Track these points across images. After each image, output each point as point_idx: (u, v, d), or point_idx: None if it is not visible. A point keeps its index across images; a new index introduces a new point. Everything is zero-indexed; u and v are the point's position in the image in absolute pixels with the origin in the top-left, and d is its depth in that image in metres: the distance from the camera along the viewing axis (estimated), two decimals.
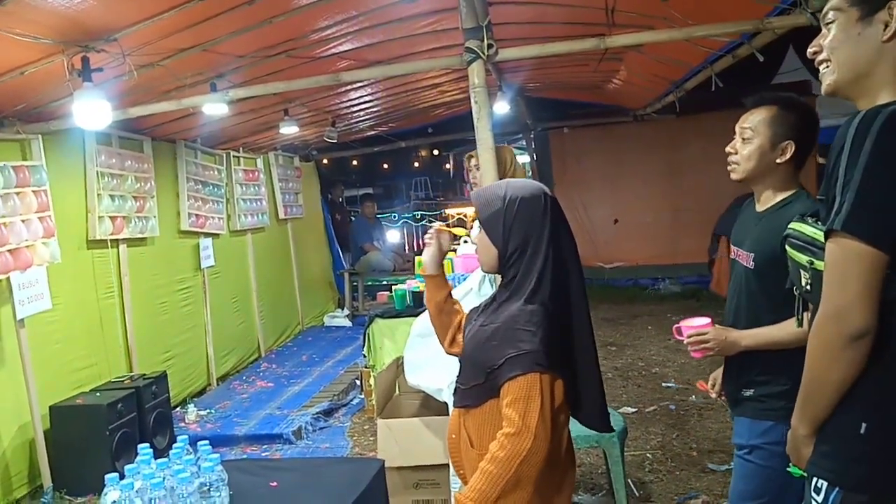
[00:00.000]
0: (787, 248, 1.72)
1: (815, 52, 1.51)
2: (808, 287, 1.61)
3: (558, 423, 1.79)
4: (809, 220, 1.66)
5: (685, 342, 2.22)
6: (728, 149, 2.19)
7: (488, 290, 3.53)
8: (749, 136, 2.13)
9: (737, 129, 2.18)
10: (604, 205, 9.85)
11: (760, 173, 2.13)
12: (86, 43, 3.39)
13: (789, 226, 1.72)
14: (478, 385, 1.81)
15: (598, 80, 7.27)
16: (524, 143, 10.43)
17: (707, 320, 2.22)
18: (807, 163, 2.17)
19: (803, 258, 1.62)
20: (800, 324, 1.82)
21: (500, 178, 3.96)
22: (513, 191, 1.84)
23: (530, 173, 9.88)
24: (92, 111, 3.53)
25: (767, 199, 2.16)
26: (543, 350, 1.71)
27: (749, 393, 2.16)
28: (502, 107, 6.59)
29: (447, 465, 3.42)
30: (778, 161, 2.10)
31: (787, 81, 8.56)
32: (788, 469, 1.60)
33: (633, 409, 5.17)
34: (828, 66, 1.48)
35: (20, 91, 3.89)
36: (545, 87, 8.37)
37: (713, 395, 2.40)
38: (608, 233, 9.80)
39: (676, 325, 2.30)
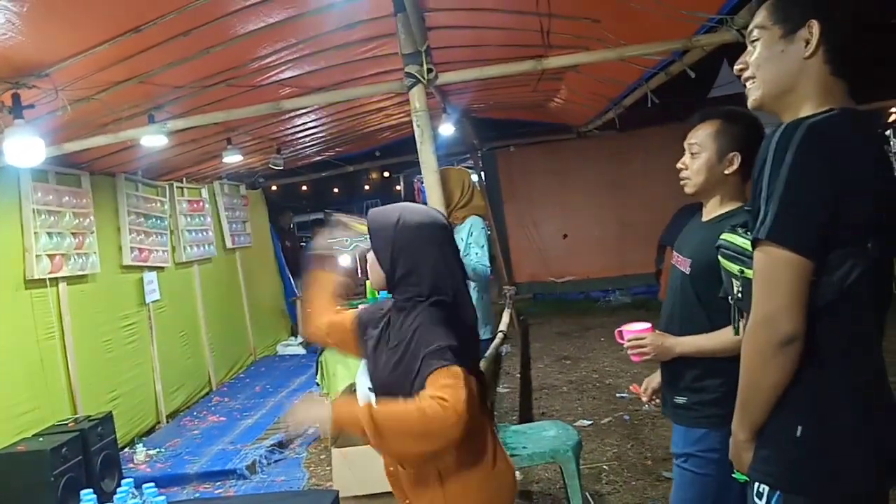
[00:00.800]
0: (719, 258, 1.78)
1: (742, 69, 1.57)
2: (740, 295, 1.66)
3: (481, 422, 1.82)
4: (740, 231, 1.71)
5: (625, 346, 2.28)
6: (679, 164, 2.26)
7: None
8: (697, 151, 2.20)
9: (685, 145, 2.25)
10: (553, 220, 9.99)
11: (711, 186, 2.20)
12: (15, 79, 3.30)
13: (720, 236, 1.78)
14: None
15: (540, 99, 7.40)
16: (472, 162, 10.52)
17: (647, 325, 2.28)
18: None
19: (734, 267, 1.67)
20: (736, 332, 1.87)
21: (458, 200, 4.00)
22: (405, 216, 1.89)
23: None
24: (24, 149, 3.43)
25: (713, 209, 2.23)
26: (459, 346, 1.75)
27: (682, 400, 2.21)
28: (447, 128, 6.66)
29: None
30: (726, 172, 2.16)
31: (722, 94, 8.88)
32: (733, 475, 1.63)
33: (589, 422, 5.22)
34: (753, 82, 1.53)
35: None
36: (489, 107, 8.49)
37: (644, 399, 2.46)
38: (558, 248, 9.93)
39: (618, 329, 2.35)
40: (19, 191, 4.82)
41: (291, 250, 10.17)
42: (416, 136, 3.54)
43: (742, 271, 1.64)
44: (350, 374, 4.69)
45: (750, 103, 1.56)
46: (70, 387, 5.16)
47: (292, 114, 5.84)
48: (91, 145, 4.23)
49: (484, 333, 3.88)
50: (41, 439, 4.37)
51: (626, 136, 8.67)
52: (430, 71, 3.46)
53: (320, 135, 7.67)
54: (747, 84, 1.55)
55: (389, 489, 3.58)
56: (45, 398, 4.89)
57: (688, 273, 2.20)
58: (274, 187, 10.40)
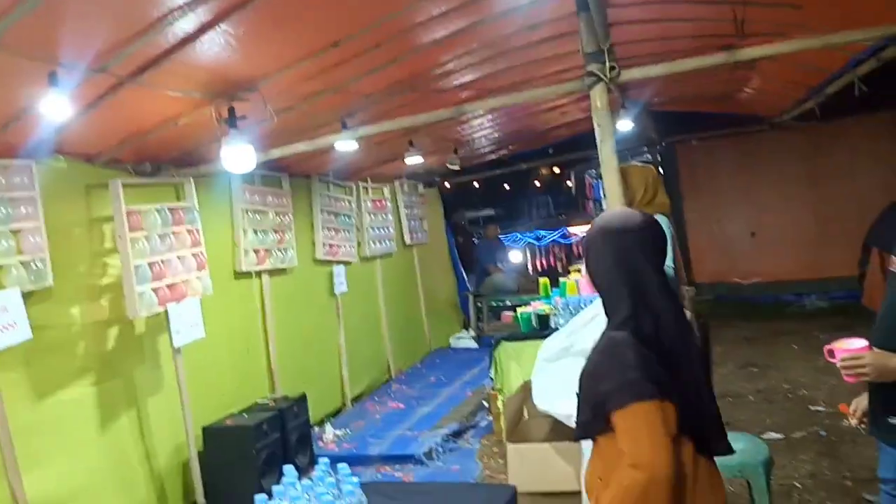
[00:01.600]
0: None
1: None
2: None
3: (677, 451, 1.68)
4: None
5: (838, 365, 2.10)
6: None
7: None
8: None
9: None
10: (739, 217, 9.40)
11: None
12: (231, 93, 3.69)
13: None
14: (589, 421, 1.78)
15: (727, 89, 6.97)
16: (649, 157, 10.15)
17: (864, 343, 2.09)
18: None
19: None
20: None
21: (641, 198, 3.88)
22: (601, 223, 1.86)
23: None
24: (238, 155, 3.82)
25: None
26: (642, 377, 1.65)
27: None
28: (626, 124, 6.47)
29: (579, 492, 3.38)
30: None
31: None
32: None
33: (779, 436, 4.87)
34: None
35: (174, 140, 4.29)
36: (671, 100, 8.13)
37: (853, 422, 2.26)
38: (745, 246, 9.33)
39: (829, 347, 2.17)
40: (231, 192, 5.39)
41: (464, 246, 10.43)
42: (597, 136, 3.48)
43: None
44: (524, 371, 4.73)
45: None
46: (270, 369, 5.69)
47: (470, 115, 5.99)
48: (292, 151, 4.61)
49: None
50: (245, 416, 4.85)
51: (826, 126, 7.90)
52: (612, 69, 3.39)
53: (496, 134, 7.78)
54: None
55: (565, 489, 3.60)
56: (248, 378, 5.42)
57: None
58: (448, 185, 10.69)
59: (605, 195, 3.68)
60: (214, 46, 3.13)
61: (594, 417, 1.74)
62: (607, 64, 3.39)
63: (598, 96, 3.45)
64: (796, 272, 8.94)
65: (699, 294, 9.19)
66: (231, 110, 3.71)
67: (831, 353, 2.15)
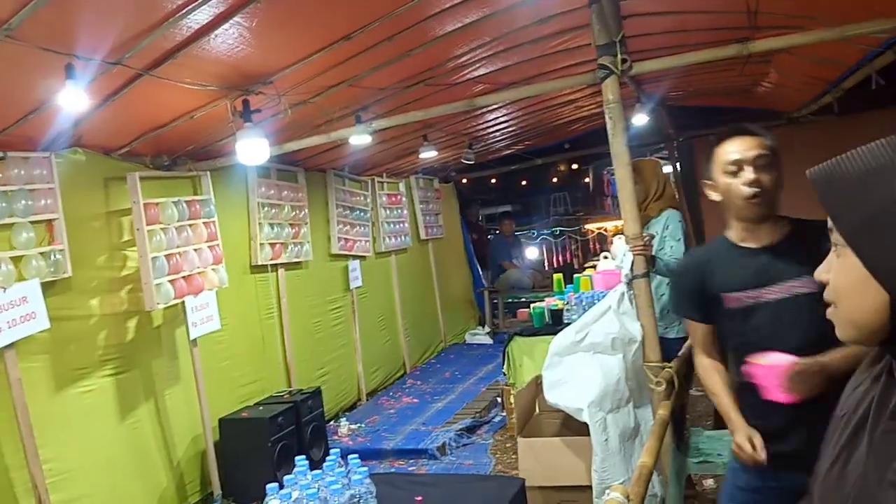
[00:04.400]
0: None
1: None
2: None
3: None
4: None
5: (789, 378, 1.88)
6: (747, 180, 2.06)
7: (629, 309, 3.45)
8: (768, 164, 2.07)
9: (745, 156, 2.07)
10: None
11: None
12: (245, 87, 3.73)
13: None
14: None
15: (745, 84, 6.90)
16: (667, 153, 10.08)
17: (788, 357, 1.91)
18: None
19: None
20: None
21: (653, 193, 3.87)
22: None
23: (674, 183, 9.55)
24: (252, 148, 3.86)
25: (770, 231, 2.09)
26: None
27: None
28: (641, 119, 6.44)
29: (590, 486, 3.38)
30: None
31: None
32: None
33: None
34: None
35: (191, 133, 4.35)
36: (688, 94, 8.07)
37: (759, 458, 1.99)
38: None
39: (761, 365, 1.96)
40: (247, 186, 5.45)
41: (479, 242, 10.43)
42: (609, 129, 3.46)
43: None
44: (536, 366, 4.73)
45: None
46: (286, 362, 5.75)
47: (484, 109, 5.99)
48: (307, 145, 4.65)
49: (678, 332, 3.75)
50: (261, 408, 4.91)
51: (844, 121, 7.79)
52: (624, 61, 3.37)
53: (511, 129, 7.77)
54: None
55: (575, 483, 3.60)
56: (264, 371, 5.49)
57: (816, 290, 1.96)
58: (464, 181, 10.70)
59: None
60: (228, 39, 3.17)
61: None
62: (619, 56, 3.36)
63: (610, 89, 3.43)
64: None
65: None
66: (245, 103, 3.76)
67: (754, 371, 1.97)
